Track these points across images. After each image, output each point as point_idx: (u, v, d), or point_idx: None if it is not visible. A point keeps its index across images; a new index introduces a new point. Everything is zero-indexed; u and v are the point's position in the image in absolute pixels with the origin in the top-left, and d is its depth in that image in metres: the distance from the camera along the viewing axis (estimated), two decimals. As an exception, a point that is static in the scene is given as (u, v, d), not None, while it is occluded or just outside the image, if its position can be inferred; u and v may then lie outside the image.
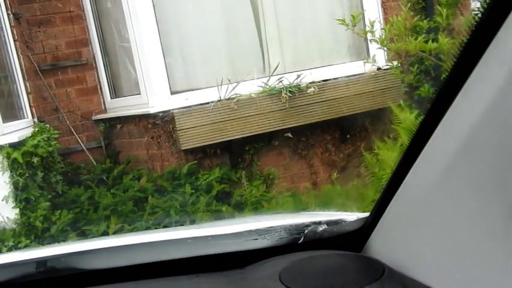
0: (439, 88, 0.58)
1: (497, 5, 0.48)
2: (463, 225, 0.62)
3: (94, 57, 4.18)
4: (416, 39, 3.55)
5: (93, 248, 1.02)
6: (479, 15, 0.49)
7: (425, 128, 0.61)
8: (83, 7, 4.12)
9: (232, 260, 0.83)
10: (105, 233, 3.24)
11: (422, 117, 0.63)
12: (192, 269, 0.83)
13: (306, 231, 0.88)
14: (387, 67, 3.99)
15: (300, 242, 0.87)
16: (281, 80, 3.83)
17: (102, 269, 0.90)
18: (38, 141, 3.23)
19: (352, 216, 0.94)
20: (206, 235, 0.86)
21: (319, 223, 0.91)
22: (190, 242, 0.86)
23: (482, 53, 0.50)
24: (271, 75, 3.90)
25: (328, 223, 0.91)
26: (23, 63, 3.81)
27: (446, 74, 0.56)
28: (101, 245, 1.02)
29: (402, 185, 0.70)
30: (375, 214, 0.78)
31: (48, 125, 3.75)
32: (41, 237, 3.23)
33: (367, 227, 0.82)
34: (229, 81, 3.74)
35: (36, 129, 3.53)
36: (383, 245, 0.78)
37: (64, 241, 3.13)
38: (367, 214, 0.87)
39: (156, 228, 3.27)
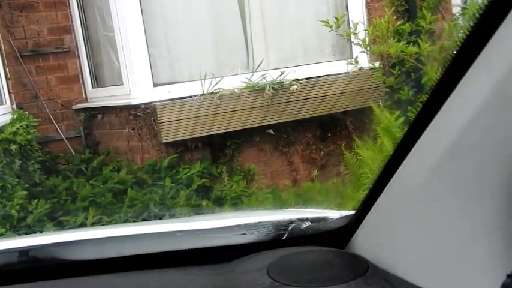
0: (429, 93, 0.60)
1: (489, 16, 0.50)
2: (446, 225, 0.64)
3: (76, 45, 4.12)
4: (398, 41, 3.61)
5: (79, 238, 1.02)
6: (472, 25, 0.52)
7: (415, 129, 0.64)
8: (67, -6, 4.05)
9: (220, 253, 0.84)
10: (83, 224, 3.21)
11: (411, 119, 0.66)
12: (180, 262, 0.84)
13: (292, 227, 0.90)
14: (369, 68, 4.04)
15: (286, 237, 0.89)
16: (265, 76, 3.85)
17: (88, 260, 0.90)
18: (17, 128, 3.18)
19: (336, 214, 0.96)
20: (195, 229, 0.88)
21: (305, 220, 0.93)
22: (179, 235, 0.87)
23: (472, 63, 0.53)
24: (255, 71, 3.91)
25: (314, 220, 0.93)
26: (3, 47, 3.73)
27: (436, 80, 0.59)
28: (87, 236, 1.02)
29: (389, 185, 0.72)
30: (361, 212, 0.81)
31: (27, 113, 3.69)
32: (17, 227, 3.18)
33: (352, 225, 0.85)
34: (213, 75, 3.74)
35: (15, 116, 3.47)
36: (367, 243, 0.81)
37: (41, 231, 3.09)
38: (351, 212, 0.89)
39: (134, 221, 3.25)
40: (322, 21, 3.61)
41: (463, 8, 4.21)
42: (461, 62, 0.54)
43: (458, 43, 0.56)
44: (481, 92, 0.53)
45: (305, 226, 0.92)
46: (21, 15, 3.92)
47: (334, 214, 0.95)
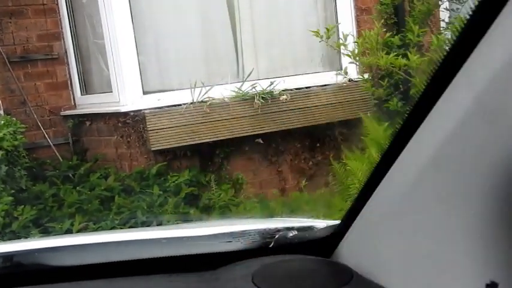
0: (412, 106, 0.62)
1: (469, 31, 0.52)
2: (429, 234, 0.66)
3: (66, 51, 4.11)
4: (387, 53, 3.66)
5: (63, 244, 1.02)
6: (454, 39, 0.54)
7: (398, 142, 0.65)
8: (57, 0, 4.04)
9: (205, 261, 0.84)
10: (69, 231, 3.19)
11: (395, 131, 0.67)
12: (165, 269, 0.84)
13: (277, 236, 0.91)
14: (358, 79, 4.08)
15: (271, 246, 0.90)
16: (254, 86, 3.87)
17: (72, 266, 0.89)
18: (4, 134, 3.15)
19: (322, 223, 0.97)
20: (181, 236, 0.88)
21: (291, 228, 0.94)
22: (164, 242, 0.87)
23: (453, 77, 0.54)
24: (245, 81, 3.93)
25: (299, 229, 0.94)
26: (-9, 53, 3.72)
27: (419, 93, 0.60)
28: (72, 242, 1.02)
29: (373, 195, 0.73)
30: (346, 221, 0.82)
31: (14, 118, 3.66)
32: (2, 233, 3.15)
33: (337, 234, 0.85)
34: (203, 84, 3.75)
35: (2, 121, 3.44)
36: (352, 252, 0.82)
37: (26, 237, 3.06)
38: (337, 221, 0.90)
39: (121, 228, 3.23)
40: (313, 32, 3.64)
41: (448, 23, 4.29)
42: (442, 76, 0.56)
43: (441, 56, 0.57)
44: (462, 105, 0.54)
45: (291, 235, 0.93)
46: (11, 22, 3.90)
47: (320, 223, 0.96)
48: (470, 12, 0.50)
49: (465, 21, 0.51)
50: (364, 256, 0.79)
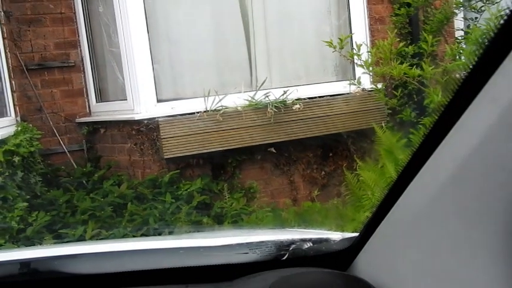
0: (435, 120, 0.62)
1: (495, 48, 0.52)
2: (448, 250, 0.65)
3: (82, 59, 4.17)
4: (401, 63, 3.64)
5: (80, 252, 1.02)
6: (478, 55, 0.54)
7: (419, 156, 0.65)
8: (75, 9, 4.11)
9: (221, 272, 0.84)
10: (81, 238, 3.21)
11: (416, 145, 0.67)
12: (182, 279, 0.84)
13: (293, 248, 0.91)
14: (372, 89, 4.07)
15: (287, 258, 0.89)
16: (268, 95, 3.88)
17: (89, 274, 0.90)
18: (21, 140, 3.20)
19: (338, 236, 0.97)
20: (198, 246, 0.88)
21: (307, 240, 0.93)
22: (182, 252, 0.88)
23: (477, 93, 0.54)
24: (258, 90, 3.94)
25: (316, 241, 0.94)
26: (10, 61, 3.77)
27: (442, 108, 0.60)
28: (89, 250, 1.02)
29: (392, 209, 0.73)
30: (364, 235, 0.81)
31: (31, 125, 3.71)
32: (16, 238, 3.18)
33: (354, 247, 0.85)
34: (216, 92, 3.76)
35: (19, 128, 3.49)
36: (369, 266, 0.81)
37: (39, 243, 3.08)
38: (354, 234, 0.90)
39: (134, 235, 3.25)
40: (326, 42, 3.65)
41: (466, 33, 4.26)
42: (467, 91, 0.56)
43: (465, 72, 0.57)
44: (486, 121, 0.54)
45: (307, 247, 0.92)
46: (29, 30, 3.97)
47: (336, 236, 0.96)
48: (495, 30, 0.50)
49: (491, 37, 0.51)
50: (382, 270, 0.78)
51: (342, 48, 3.64)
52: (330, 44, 3.62)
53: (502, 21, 0.49)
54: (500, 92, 0.52)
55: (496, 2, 3.72)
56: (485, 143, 0.55)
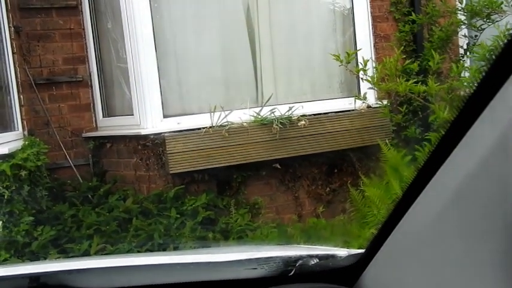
0: (439, 140, 0.63)
1: (494, 73, 0.53)
2: (454, 266, 0.66)
3: (90, 75, 4.22)
4: (407, 80, 3.67)
5: (89, 266, 1.03)
6: (478, 80, 0.55)
7: (424, 174, 0.66)
8: (84, 25, 4.17)
9: (230, 287, 0.85)
10: (86, 252, 3.21)
11: (420, 165, 0.68)
12: None
13: (301, 264, 0.92)
14: (377, 105, 4.09)
15: (294, 273, 0.90)
16: (273, 111, 3.90)
17: None
18: (28, 154, 3.22)
19: (344, 252, 0.98)
20: (208, 261, 0.89)
21: (314, 256, 0.94)
22: (192, 268, 0.89)
23: (479, 115, 0.56)
24: (264, 106, 3.97)
25: (323, 257, 0.94)
26: (19, 75, 3.82)
27: (445, 129, 0.62)
28: (97, 264, 1.03)
29: (398, 225, 0.74)
30: (370, 251, 0.82)
31: (38, 139, 3.74)
32: (21, 252, 3.19)
33: (361, 263, 0.86)
34: (222, 108, 3.79)
35: (27, 142, 3.52)
36: (375, 282, 0.82)
37: (44, 258, 3.08)
38: (360, 250, 0.91)
39: (139, 251, 3.25)
40: (334, 55, 3.67)
41: (465, 50, 4.31)
42: (468, 113, 0.57)
43: (466, 96, 0.59)
44: (486, 142, 0.56)
45: (314, 263, 0.93)
46: (38, 45, 4.03)
47: (342, 252, 0.97)
48: (497, 53, 0.52)
49: (492, 61, 0.53)
50: (388, 287, 0.79)
51: (348, 62, 3.67)
52: (337, 58, 3.64)
53: (502, 46, 0.51)
54: (500, 115, 0.53)
55: (497, 21, 3.76)
56: (485, 165, 0.56)
